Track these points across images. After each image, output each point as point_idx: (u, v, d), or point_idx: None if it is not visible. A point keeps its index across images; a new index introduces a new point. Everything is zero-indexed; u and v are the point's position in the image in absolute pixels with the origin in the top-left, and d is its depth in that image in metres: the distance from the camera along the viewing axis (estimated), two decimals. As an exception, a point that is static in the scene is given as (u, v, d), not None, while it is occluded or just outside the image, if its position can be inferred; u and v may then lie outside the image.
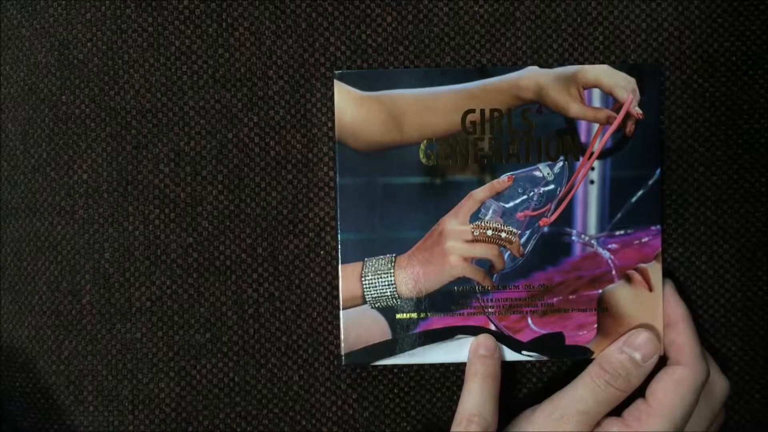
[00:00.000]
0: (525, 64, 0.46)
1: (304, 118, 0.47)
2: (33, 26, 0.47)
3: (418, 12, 0.46)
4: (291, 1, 0.47)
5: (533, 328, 0.45)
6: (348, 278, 0.45)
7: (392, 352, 0.45)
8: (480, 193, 0.45)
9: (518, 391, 0.48)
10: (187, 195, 0.47)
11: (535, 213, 0.45)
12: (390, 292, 0.45)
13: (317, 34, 0.47)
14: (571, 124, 0.45)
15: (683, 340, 0.43)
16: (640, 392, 0.43)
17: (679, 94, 0.46)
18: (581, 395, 0.42)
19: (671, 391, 0.42)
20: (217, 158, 0.47)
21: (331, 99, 0.46)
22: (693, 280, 0.47)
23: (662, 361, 0.44)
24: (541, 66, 0.45)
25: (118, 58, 0.47)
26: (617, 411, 0.43)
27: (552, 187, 0.45)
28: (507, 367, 0.47)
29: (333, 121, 0.46)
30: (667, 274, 0.46)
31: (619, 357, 0.43)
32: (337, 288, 0.47)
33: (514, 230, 0.45)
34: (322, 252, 0.47)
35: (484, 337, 0.44)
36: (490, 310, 0.45)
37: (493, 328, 0.45)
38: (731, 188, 0.47)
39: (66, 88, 0.47)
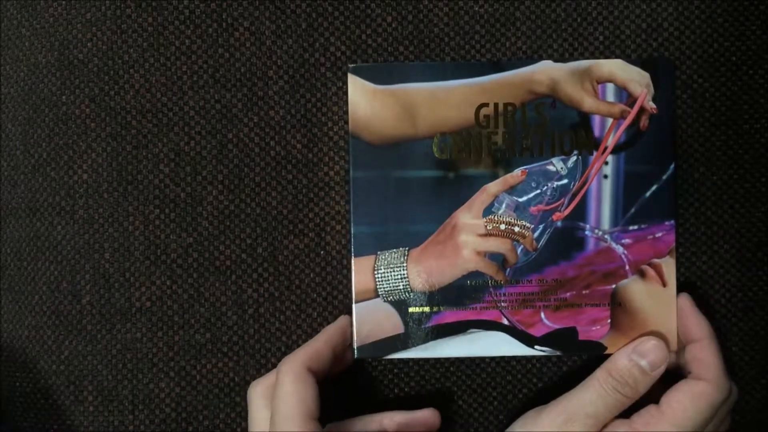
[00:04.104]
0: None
1: (305, 118, 0.46)
2: (33, 26, 0.47)
3: (418, 12, 0.46)
4: (291, 1, 0.46)
5: (546, 322, 0.44)
6: (361, 271, 0.44)
7: (404, 346, 0.44)
8: (493, 187, 0.44)
9: (527, 389, 0.47)
10: (187, 195, 0.46)
11: (549, 207, 0.44)
12: (403, 285, 0.44)
13: (317, 34, 0.46)
14: (584, 118, 0.44)
15: (706, 356, 0.42)
16: (654, 398, 0.42)
17: (678, 94, 0.46)
18: (589, 399, 0.41)
19: (689, 403, 0.41)
20: (217, 158, 0.46)
21: (332, 99, 0.46)
22: (693, 280, 0.46)
23: (682, 374, 0.44)
24: (554, 61, 0.45)
25: (118, 58, 0.46)
26: (626, 413, 0.42)
27: (565, 181, 0.44)
28: (518, 363, 0.46)
29: (334, 121, 0.46)
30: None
31: (627, 364, 0.42)
32: (337, 288, 0.46)
33: (528, 224, 0.44)
34: (322, 252, 0.46)
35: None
36: (503, 304, 0.44)
37: (505, 322, 0.44)
38: (731, 188, 0.46)
39: (66, 88, 0.46)
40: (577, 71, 0.44)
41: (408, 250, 0.44)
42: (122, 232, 0.46)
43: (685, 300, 0.44)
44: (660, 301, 0.44)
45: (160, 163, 0.46)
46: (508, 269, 0.44)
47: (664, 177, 0.44)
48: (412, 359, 0.46)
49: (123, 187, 0.46)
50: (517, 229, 0.44)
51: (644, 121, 0.44)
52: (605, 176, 0.44)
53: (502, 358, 0.46)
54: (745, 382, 0.47)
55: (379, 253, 0.44)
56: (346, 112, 0.44)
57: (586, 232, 0.44)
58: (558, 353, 0.45)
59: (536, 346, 0.44)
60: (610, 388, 0.41)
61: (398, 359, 0.46)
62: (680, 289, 0.45)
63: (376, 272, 0.44)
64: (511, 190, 0.44)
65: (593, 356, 0.46)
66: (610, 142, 0.44)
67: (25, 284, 0.47)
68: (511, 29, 0.46)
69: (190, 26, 0.46)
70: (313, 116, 0.46)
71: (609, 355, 0.43)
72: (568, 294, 0.44)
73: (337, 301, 0.46)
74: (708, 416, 0.41)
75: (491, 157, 0.44)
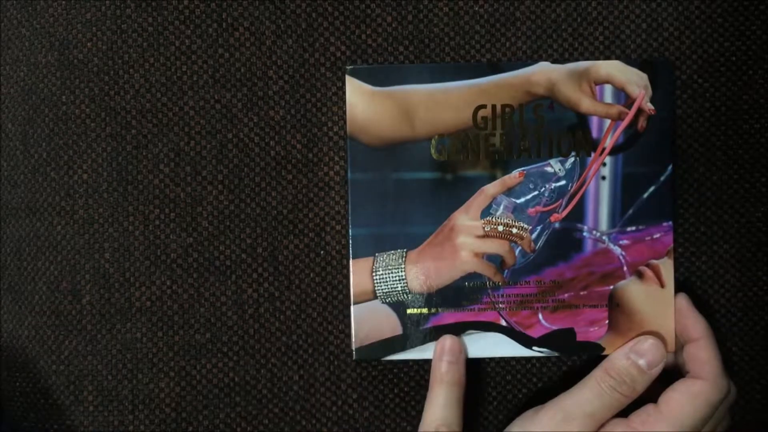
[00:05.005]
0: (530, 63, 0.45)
1: (304, 118, 0.46)
2: (33, 26, 0.47)
3: (418, 12, 0.46)
4: (291, 1, 0.46)
5: (544, 324, 0.44)
6: (359, 273, 0.44)
7: (403, 347, 0.44)
8: (491, 188, 0.44)
9: (526, 389, 0.47)
10: (187, 195, 0.46)
11: (547, 209, 0.44)
12: (401, 287, 0.44)
13: (317, 34, 0.46)
14: (582, 119, 0.44)
15: (704, 355, 0.42)
16: (652, 398, 0.42)
17: (678, 94, 0.46)
18: (587, 398, 0.41)
19: (686, 402, 0.41)
20: (217, 158, 0.46)
21: (332, 99, 0.46)
22: (693, 280, 0.46)
23: (680, 374, 0.44)
24: (553, 62, 0.45)
25: (118, 58, 0.46)
26: (624, 412, 0.42)
27: (563, 182, 0.44)
28: (517, 364, 0.46)
29: (334, 121, 0.46)
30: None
31: (624, 363, 0.42)
32: (337, 288, 0.46)
33: (525, 226, 0.44)
34: (322, 252, 0.46)
35: (450, 341, 0.44)
36: (500, 305, 0.44)
37: (503, 323, 0.44)
38: (731, 188, 0.46)
39: (66, 88, 0.46)
40: (575, 72, 0.44)
41: (406, 252, 0.44)
42: (122, 232, 0.46)
43: (683, 300, 0.44)
44: (658, 302, 0.44)
45: (160, 163, 0.46)
46: (506, 271, 0.44)
47: (662, 178, 0.44)
48: (411, 360, 0.46)
49: (123, 187, 0.46)
50: (515, 230, 0.44)
51: (642, 123, 0.44)
52: (603, 177, 0.44)
53: (501, 358, 0.46)
54: (745, 382, 0.47)
55: (377, 254, 0.44)
56: (346, 113, 0.44)
57: (584, 234, 0.44)
58: (556, 354, 0.45)
59: (534, 347, 0.44)
60: (608, 387, 0.41)
61: (397, 360, 0.46)
62: (679, 289, 0.45)
63: (374, 274, 0.44)
64: (509, 191, 0.44)
65: (591, 357, 0.46)
66: (608, 143, 0.44)
67: (25, 284, 0.47)
68: (511, 29, 0.46)
69: (190, 26, 0.46)
70: (313, 116, 0.46)
71: (607, 356, 0.43)
72: (566, 295, 0.44)
73: (337, 301, 0.46)
74: (706, 415, 0.41)
75: (489, 158, 0.44)
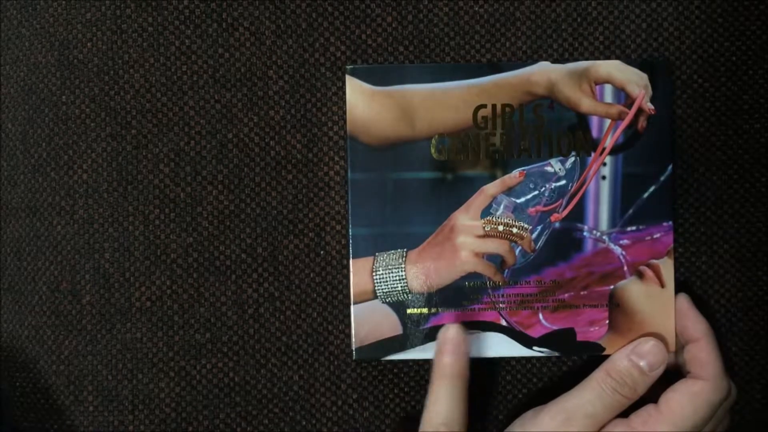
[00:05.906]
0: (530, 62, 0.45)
1: (305, 118, 0.46)
2: (33, 26, 0.47)
3: (418, 12, 0.46)
4: (291, 1, 0.46)
5: (544, 323, 0.44)
6: (359, 273, 0.44)
7: (403, 347, 0.44)
8: (491, 188, 0.44)
9: (526, 389, 0.47)
10: (187, 195, 0.46)
11: (547, 208, 0.44)
12: (401, 287, 0.44)
13: (317, 34, 0.46)
14: (582, 119, 0.44)
15: (705, 356, 0.42)
16: (652, 398, 0.42)
17: (679, 94, 0.46)
18: (588, 399, 0.42)
19: (686, 402, 0.41)
20: (217, 158, 0.46)
21: (332, 99, 0.46)
22: (693, 280, 0.46)
23: (681, 374, 0.44)
24: (553, 61, 0.45)
25: (118, 58, 0.46)
26: (625, 412, 0.42)
27: (563, 182, 0.44)
28: (517, 363, 0.46)
29: (334, 121, 0.46)
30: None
31: (626, 364, 0.42)
32: (337, 288, 0.46)
33: (526, 226, 0.44)
34: (322, 252, 0.46)
35: (453, 331, 0.43)
36: (501, 305, 0.44)
37: (504, 323, 0.44)
38: (731, 188, 0.46)
39: (66, 88, 0.46)
40: (575, 72, 0.44)
41: (406, 252, 0.44)
42: (122, 232, 0.47)
43: (684, 300, 0.44)
44: (658, 302, 0.44)
45: (160, 163, 0.46)
46: (507, 270, 0.44)
47: (662, 178, 0.44)
48: (411, 360, 0.46)
49: (123, 187, 0.46)
50: (515, 230, 0.44)
51: (642, 122, 0.44)
52: (603, 177, 0.44)
53: (501, 358, 0.47)
54: (745, 382, 0.47)
55: (377, 254, 0.44)
56: (346, 113, 0.45)
57: (584, 233, 0.44)
58: (556, 354, 0.45)
59: (534, 347, 0.44)
60: (609, 389, 0.41)
61: (397, 360, 0.46)
62: (679, 289, 0.45)
63: (374, 274, 0.44)
64: (509, 191, 0.44)
65: (591, 357, 0.46)
66: (608, 143, 0.44)
67: (25, 284, 0.47)
68: (511, 29, 0.46)
69: (190, 26, 0.46)
70: (313, 116, 0.46)
71: (607, 356, 0.43)
72: (566, 295, 0.44)
73: (337, 301, 0.46)
74: (706, 416, 0.41)
75: (489, 158, 0.44)
